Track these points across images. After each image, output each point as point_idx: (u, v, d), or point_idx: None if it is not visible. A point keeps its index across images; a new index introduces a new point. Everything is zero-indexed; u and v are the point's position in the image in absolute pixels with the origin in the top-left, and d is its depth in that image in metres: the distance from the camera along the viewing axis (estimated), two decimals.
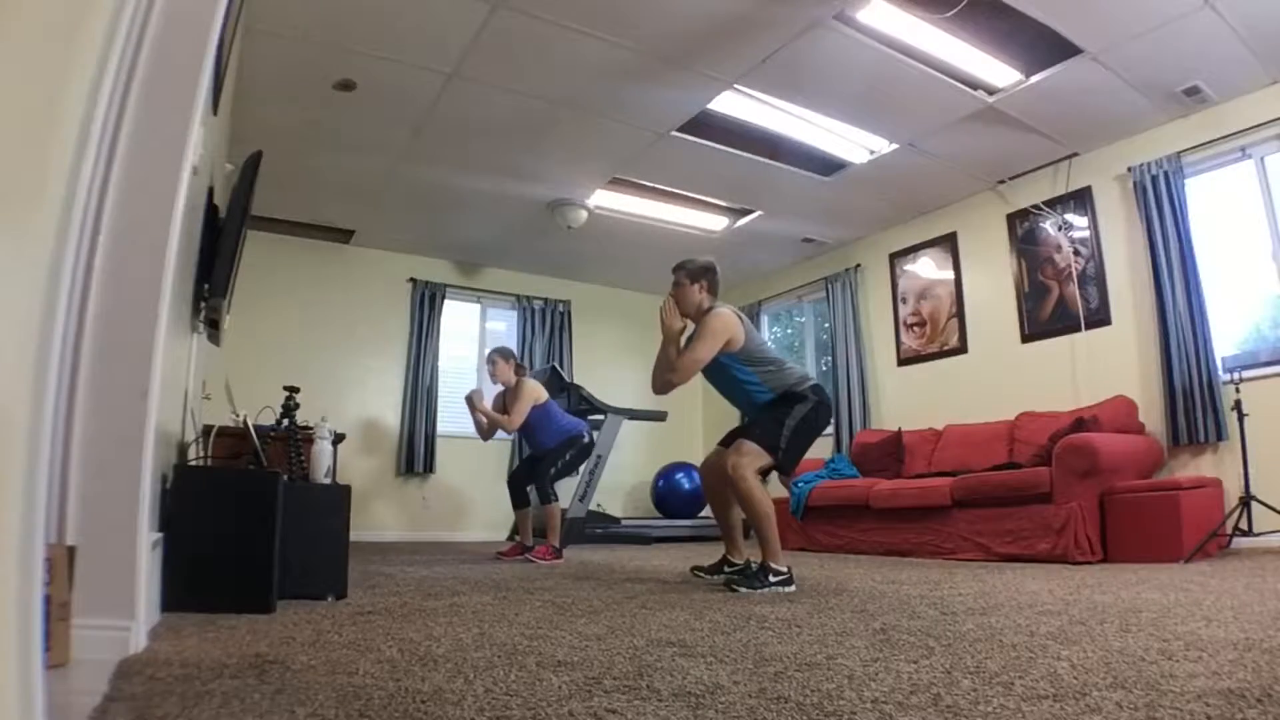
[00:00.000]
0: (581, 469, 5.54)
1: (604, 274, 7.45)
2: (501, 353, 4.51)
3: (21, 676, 0.69)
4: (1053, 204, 5.04)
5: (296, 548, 2.37)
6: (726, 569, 3.03)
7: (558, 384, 6.45)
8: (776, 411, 2.87)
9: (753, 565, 2.85)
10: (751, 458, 2.78)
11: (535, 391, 4.45)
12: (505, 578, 3.23)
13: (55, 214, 0.74)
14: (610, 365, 7.53)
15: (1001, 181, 5.32)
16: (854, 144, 4.89)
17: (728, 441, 3.03)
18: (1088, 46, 3.75)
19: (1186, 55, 3.81)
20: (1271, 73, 3.96)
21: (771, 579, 2.70)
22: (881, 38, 3.69)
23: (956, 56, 3.87)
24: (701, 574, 3.09)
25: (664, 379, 2.96)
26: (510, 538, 6.24)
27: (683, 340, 3.02)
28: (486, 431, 4.44)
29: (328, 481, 2.86)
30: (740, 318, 2.96)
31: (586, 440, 4.55)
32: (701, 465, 3.24)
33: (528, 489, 4.50)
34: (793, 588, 2.73)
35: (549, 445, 4.44)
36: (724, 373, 2.95)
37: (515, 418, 4.32)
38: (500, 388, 4.53)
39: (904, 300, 6.11)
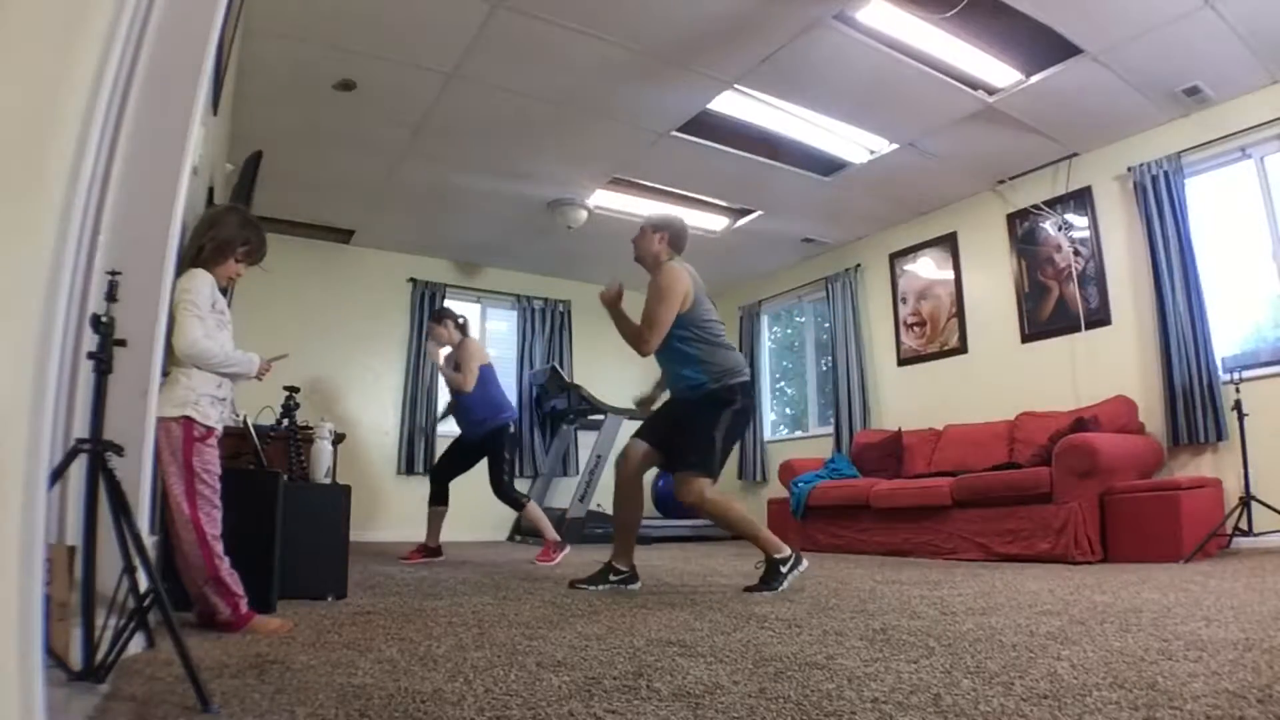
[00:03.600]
0: (583, 469, 5.45)
1: (604, 274, 7.38)
2: (435, 316, 4.42)
3: (22, 676, 0.69)
4: (1053, 204, 5.03)
5: (296, 548, 2.37)
6: (612, 577, 2.93)
7: (558, 384, 6.45)
8: (704, 418, 2.83)
9: (758, 568, 2.85)
10: (701, 484, 2.79)
11: (481, 352, 4.30)
12: (505, 578, 3.23)
13: (55, 214, 0.74)
14: (610, 365, 7.52)
15: (1001, 181, 5.31)
16: (854, 144, 4.88)
17: (649, 436, 2.98)
18: (1088, 46, 3.74)
19: (1186, 55, 3.81)
20: (1271, 72, 3.96)
21: (783, 569, 2.73)
22: (881, 38, 3.69)
23: (956, 56, 3.86)
24: (582, 586, 2.92)
25: (640, 349, 2.89)
26: (510, 538, 6.26)
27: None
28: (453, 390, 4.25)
29: (328, 481, 2.87)
30: (693, 276, 2.90)
31: (513, 430, 4.34)
32: (622, 457, 3.09)
33: (449, 485, 4.33)
34: (805, 564, 2.79)
35: (479, 418, 4.22)
36: (667, 343, 2.87)
37: (469, 377, 4.14)
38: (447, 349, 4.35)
39: (904, 300, 6.11)
